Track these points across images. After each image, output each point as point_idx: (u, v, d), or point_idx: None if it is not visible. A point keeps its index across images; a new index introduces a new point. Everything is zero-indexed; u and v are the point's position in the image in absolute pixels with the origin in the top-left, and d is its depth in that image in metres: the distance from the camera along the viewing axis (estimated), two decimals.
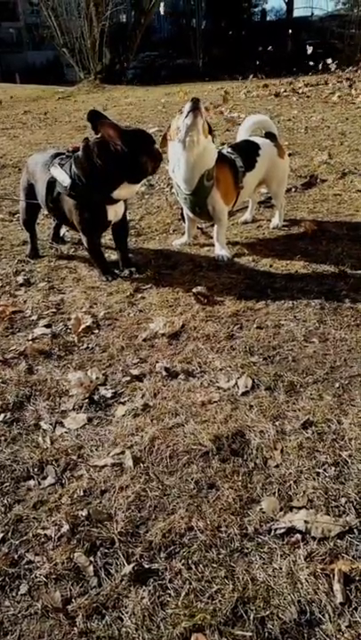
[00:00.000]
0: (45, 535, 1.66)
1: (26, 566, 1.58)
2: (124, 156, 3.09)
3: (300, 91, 11.69)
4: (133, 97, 14.23)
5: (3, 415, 2.22)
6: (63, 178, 3.19)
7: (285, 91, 11.93)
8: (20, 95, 17.49)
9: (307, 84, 12.28)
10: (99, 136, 3.15)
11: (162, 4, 33.63)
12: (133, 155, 3.12)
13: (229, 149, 3.70)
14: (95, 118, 3.09)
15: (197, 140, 3.22)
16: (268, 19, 41.66)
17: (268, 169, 3.85)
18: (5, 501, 1.80)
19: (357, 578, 1.49)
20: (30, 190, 3.62)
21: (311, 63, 14.59)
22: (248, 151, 3.75)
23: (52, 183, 3.28)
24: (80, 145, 3.24)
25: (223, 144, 4.66)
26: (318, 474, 1.85)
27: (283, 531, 1.64)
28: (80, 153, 3.19)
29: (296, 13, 37.46)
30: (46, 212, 3.74)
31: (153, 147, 3.23)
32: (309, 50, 14.79)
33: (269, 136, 3.94)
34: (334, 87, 11.55)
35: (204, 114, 3.22)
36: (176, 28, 38.21)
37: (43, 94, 17.73)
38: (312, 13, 37.70)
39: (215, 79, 17.12)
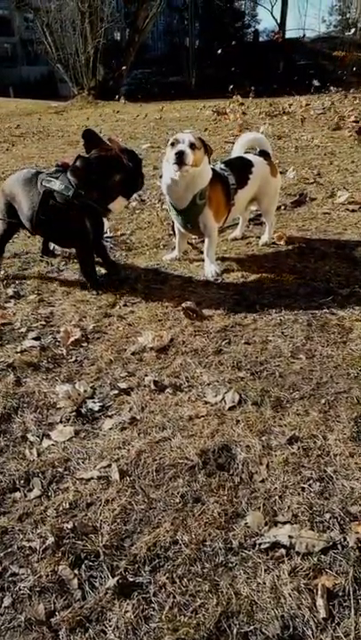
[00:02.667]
0: (30, 547, 1.66)
1: (10, 578, 1.57)
2: (127, 170, 3.33)
3: (291, 110, 11.79)
4: (126, 113, 14.33)
5: None
6: (63, 188, 3.24)
7: (276, 110, 12.03)
8: (14, 109, 17.58)
9: (298, 104, 12.38)
10: (94, 151, 3.31)
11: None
12: (133, 170, 3.36)
13: (223, 166, 3.73)
14: (90, 137, 3.31)
15: (188, 172, 3.30)
16: (260, 39, 42.19)
17: (260, 187, 3.88)
18: None
19: (341, 593, 1.49)
20: (10, 211, 3.58)
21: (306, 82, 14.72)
22: (241, 168, 3.78)
23: (47, 195, 3.29)
24: (69, 160, 3.39)
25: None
26: (303, 489, 1.85)
27: (267, 545, 1.65)
28: (79, 165, 3.29)
29: (288, 35, 37.86)
30: (27, 233, 3.73)
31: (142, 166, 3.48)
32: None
33: (263, 154, 3.97)
34: (325, 107, 11.65)
35: (190, 157, 3.23)
36: (169, 46, 38.61)
37: (36, 109, 17.85)
38: (304, 35, 38.18)
39: (207, 97, 17.21)
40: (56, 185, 3.26)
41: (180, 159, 3.22)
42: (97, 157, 3.30)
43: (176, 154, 3.22)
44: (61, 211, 3.30)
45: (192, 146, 3.26)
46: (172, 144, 3.31)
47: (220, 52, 20.32)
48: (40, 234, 3.73)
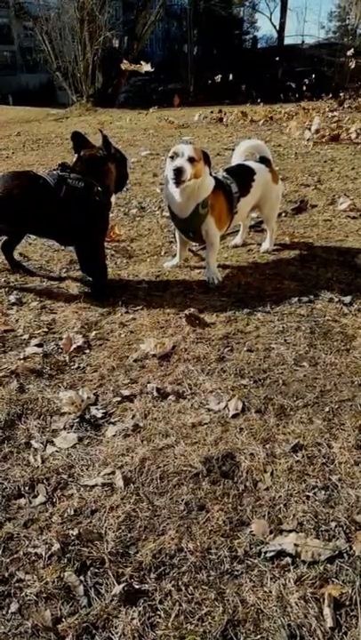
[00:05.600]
0: (36, 554, 1.65)
1: (16, 584, 1.57)
2: (118, 159, 3.59)
3: (291, 116, 11.84)
4: (125, 120, 14.36)
5: None
6: (84, 186, 3.35)
7: (276, 116, 12.08)
8: (14, 117, 17.62)
9: (297, 110, 12.43)
10: (86, 151, 3.51)
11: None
12: (121, 159, 3.62)
13: (225, 174, 3.73)
14: (78, 138, 3.50)
15: (188, 185, 3.33)
16: (258, 46, 42.39)
17: (262, 194, 3.89)
18: None
19: (347, 603, 1.49)
20: None
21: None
22: (243, 176, 3.78)
23: (70, 194, 3.33)
24: (66, 162, 3.55)
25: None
26: (308, 497, 1.85)
27: (273, 554, 1.64)
28: (87, 164, 3.44)
29: (287, 41, 38.06)
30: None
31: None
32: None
33: (264, 161, 3.98)
34: (325, 114, 11.70)
35: (189, 171, 3.25)
36: (168, 53, 38.73)
37: (35, 116, 17.89)
38: (303, 41, 38.34)
39: (206, 104, 17.27)
40: (77, 183, 3.34)
41: (177, 176, 3.23)
42: (92, 155, 3.50)
43: (174, 170, 3.23)
44: (81, 208, 3.35)
45: (191, 159, 3.26)
46: (172, 157, 3.32)
47: (230, 78, 20.36)
48: (41, 233, 3.77)
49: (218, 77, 19.52)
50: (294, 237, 4.45)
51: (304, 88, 15.09)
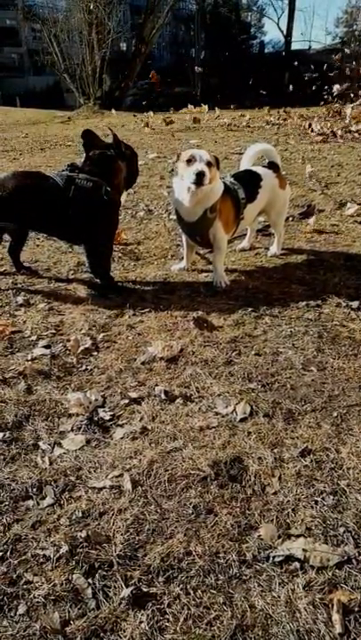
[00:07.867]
0: (44, 555, 1.65)
1: (24, 586, 1.56)
2: (128, 158, 3.63)
3: (297, 121, 11.84)
4: (132, 123, 14.37)
5: (2, 434, 2.20)
6: (92, 185, 3.37)
7: (282, 121, 12.08)
8: (21, 118, 17.66)
9: (304, 115, 12.43)
10: (96, 151, 3.52)
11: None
12: (131, 157, 3.67)
13: (232, 179, 3.74)
14: (89, 137, 3.53)
15: (201, 189, 3.36)
16: (266, 51, 42.49)
17: (269, 199, 3.90)
18: (4, 520, 1.79)
19: (356, 609, 1.48)
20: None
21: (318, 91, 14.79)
22: (250, 182, 3.80)
23: (78, 192, 3.37)
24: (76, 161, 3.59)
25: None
26: (316, 502, 1.85)
27: (281, 558, 1.64)
28: (96, 164, 3.47)
29: (294, 46, 38.15)
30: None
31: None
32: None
33: (272, 166, 3.98)
34: (331, 118, 11.70)
35: (208, 177, 3.30)
36: (175, 57, 38.81)
37: (42, 118, 17.93)
38: (310, 47, 38.43)
39: (212, 108, 17.27)
40: (85, 183, 3.37)
41: (200, 180, 3.28)
42: (102, 154, 3.51)
43: (197, 174, 3.27)
44: (89, 208, 3.38)
45: (208, 164, 3.31)
46: (189, 160, 3.34)
47: (198, 70, 20.75)
48: (49, 233, 3.88)
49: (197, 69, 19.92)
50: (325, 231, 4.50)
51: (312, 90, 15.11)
